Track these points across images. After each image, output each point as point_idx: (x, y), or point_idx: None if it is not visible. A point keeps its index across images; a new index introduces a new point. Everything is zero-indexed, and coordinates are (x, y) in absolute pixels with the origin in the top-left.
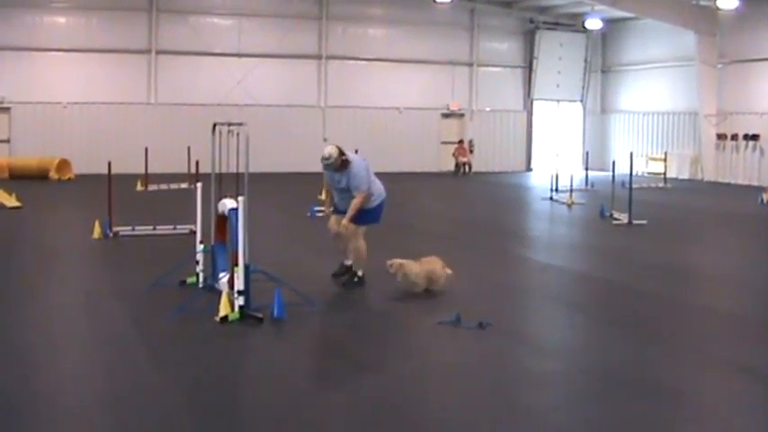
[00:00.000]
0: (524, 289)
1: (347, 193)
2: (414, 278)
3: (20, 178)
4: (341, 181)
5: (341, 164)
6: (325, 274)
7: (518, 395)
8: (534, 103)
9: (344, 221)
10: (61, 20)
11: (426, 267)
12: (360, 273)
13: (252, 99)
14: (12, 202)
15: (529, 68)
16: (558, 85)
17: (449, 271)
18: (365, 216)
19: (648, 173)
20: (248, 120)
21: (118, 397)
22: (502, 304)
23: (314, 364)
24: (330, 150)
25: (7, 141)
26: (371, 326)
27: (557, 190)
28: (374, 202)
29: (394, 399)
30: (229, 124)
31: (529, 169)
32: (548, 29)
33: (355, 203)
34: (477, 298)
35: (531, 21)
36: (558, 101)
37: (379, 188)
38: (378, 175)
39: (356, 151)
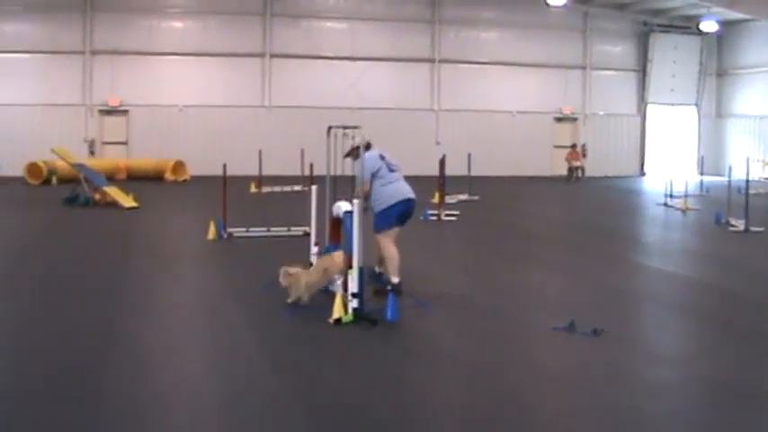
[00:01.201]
0: (638, 295)
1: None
2: (300, 289)
3: (137, 179)
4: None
5: (356, 155)
6: (439, 276)
7: (634, 402)
8: (648, 106)
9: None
10: (177, 24)
11: (319, 269)
12: (395, 280)
13: (364, 102)
14: (129, 202)
15: (643, 72)
16: (672, 89)
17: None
18: (375, 220)
19: (766, 178)
20: (361, 123)
21: (233, 396)
22: (616, 310)
23: (427, 367)
24: (358, 137)
25: (125, 143)
26: (485, 330)
27: (671, 195)
28: (378, 207)
29: (508, 403)
30: (344, 127)
31: (642, 174)
32: (662, 31)
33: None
34: (591, 304)
35: (645, 23)
36: (672, 105)
37: (387, 194)
38: (490, 178)
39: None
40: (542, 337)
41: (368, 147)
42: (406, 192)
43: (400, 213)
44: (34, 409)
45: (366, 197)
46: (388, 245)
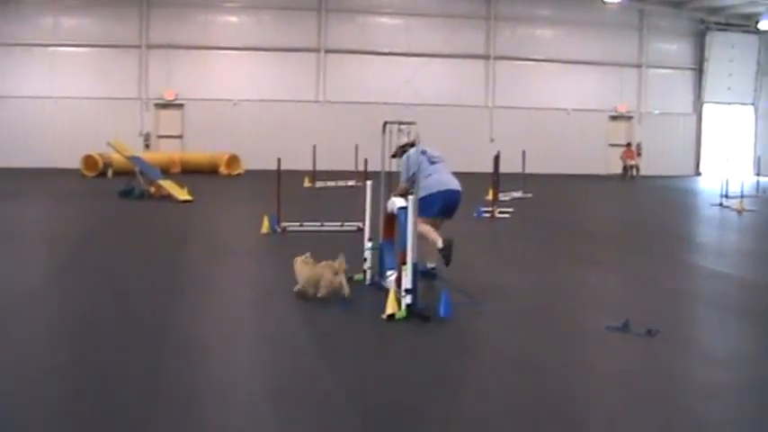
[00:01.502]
0: (693, 296)
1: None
2: (300, 279)
3: (191, 173)
4: None
5: (402, 153)
6: (492, 274)
7: (689, 406)
8: (704, 105)
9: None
10: (233, 19)
11: (316, 272)
12: (439, 245)
13: (419, 98)
14: (184, 195)
15: (699, 70)
16: (728, 88)
17: (341, 279)
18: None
19: None
20: (415, 119)
21: (284, 391)
22: (670, 311)
23: (479, 364)
24: (413, 133)
25: (180, 137)
26: (538, 328)
27: (726, 195)
28: (419, 196)
29: (558, 402)
30: (400, 123)
31: (697, 173)
32: (719, 30)
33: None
34: (645, 303)
35: (702, 21)
36: (728, 104)
37: (428, 185)
38: (544, 176)
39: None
40: (596, 336)
41: (412, 145)
42: (449, 182)
43: (442, 203)
44: (90, 399)
45: (404, 195)
46: (429, 231)
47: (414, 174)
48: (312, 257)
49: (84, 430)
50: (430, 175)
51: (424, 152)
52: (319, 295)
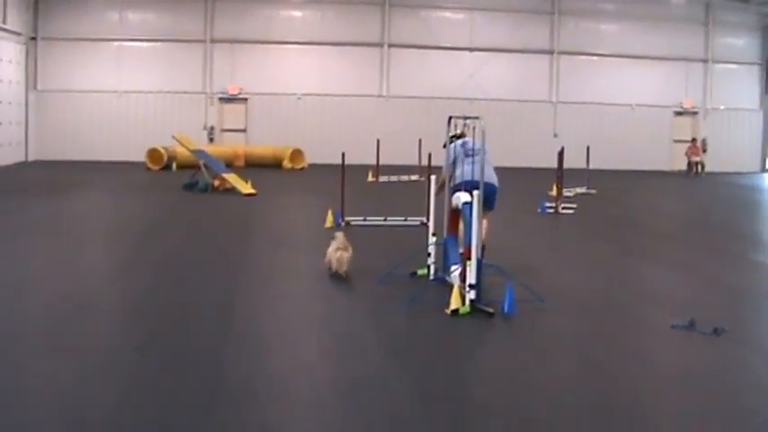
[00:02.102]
0: (759, 295)
1: None
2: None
3: (255, 166)
4: None
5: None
6: (556, 270)
7: (754, 406)
8: None
9: None
10: (297, 13)
11: (328, 250)
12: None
13: (483, 93)
14: (247, 189)
15: (766, 66)
16: None
17: (338, 255)
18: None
19: None
20: (479, 114)
21: (347, 384)
22: (737, 310)
23: (542, 360)
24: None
25: (244, 131)
26: (603, 325)
27: None
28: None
29: (623, 400)
30: (465, 118)
31: (764, 170)
32: None
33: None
34: (711, 302)
35: None
36: None
37: (457, 175)
38: (608, 172)
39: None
40: (661, 334)
41: (461, 136)
42: (477, 174)
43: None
44: (153, 390)
45: (443, 184)
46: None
47: (454, 162)
48: (344, 237)
49: (147, 420)
50: (461, 167)
51: (464, 144)
52: (334, 269)
